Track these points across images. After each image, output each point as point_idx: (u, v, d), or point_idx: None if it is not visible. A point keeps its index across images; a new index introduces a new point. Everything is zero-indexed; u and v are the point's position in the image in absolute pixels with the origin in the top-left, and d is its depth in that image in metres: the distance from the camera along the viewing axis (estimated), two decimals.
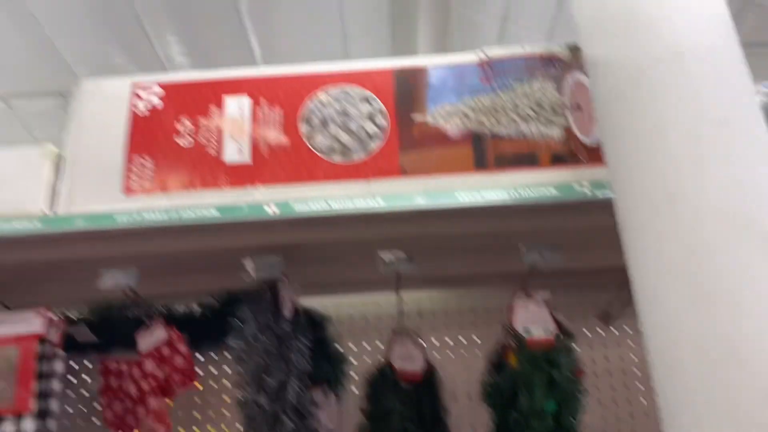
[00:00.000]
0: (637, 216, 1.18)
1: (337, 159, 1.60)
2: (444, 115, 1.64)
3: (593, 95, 1.39)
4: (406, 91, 1.67)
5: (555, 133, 1.64)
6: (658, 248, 1.13)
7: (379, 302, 1.98)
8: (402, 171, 1.59)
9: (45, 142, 1.68)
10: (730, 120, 1.15)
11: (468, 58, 1.72)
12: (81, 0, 4.64)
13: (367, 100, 1.66)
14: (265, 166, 1.58)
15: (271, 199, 1.53)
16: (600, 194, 1.52)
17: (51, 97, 5.53)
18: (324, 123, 1.63)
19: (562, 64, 1.70)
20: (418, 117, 1.64)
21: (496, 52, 1.71)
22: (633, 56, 1.24)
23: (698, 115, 1.16)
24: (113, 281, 1.60)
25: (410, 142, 1.62)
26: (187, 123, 1.63)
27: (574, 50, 1.70)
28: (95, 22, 4.85)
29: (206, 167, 1.58)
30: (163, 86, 1.69)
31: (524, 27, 5.27)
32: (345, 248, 1.71)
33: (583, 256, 1.76)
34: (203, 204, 1.53)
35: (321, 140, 1.61)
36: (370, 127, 1.62)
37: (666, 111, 1.18)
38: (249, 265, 1.59)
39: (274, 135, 1.62)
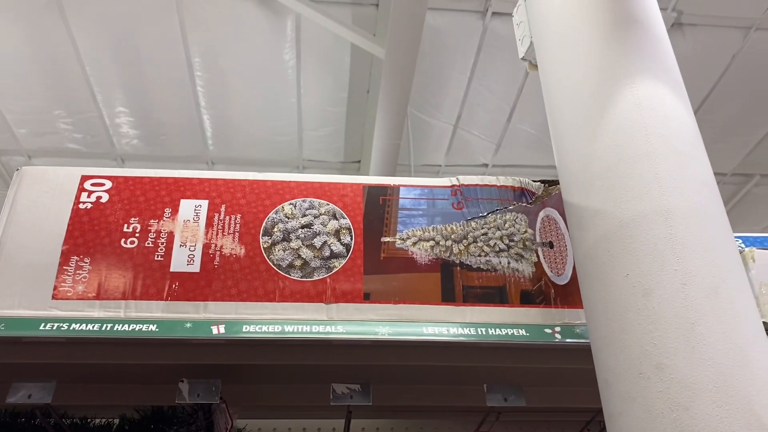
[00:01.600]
0: (621, 385, 1.11)
1: (295, 276, 1.48)
2: (413, 239, 1.56)
3: (573, 244, 1.34)
4: (376, 210, 1.59)
5: (525, 268, 1.58)
6: (647, 419, 1.05)
7: (330, 427, 1.81)
8: (365, 296, 1.48)
9: None
10: (720, 290, 1.11)
11: (441, 182, 1.67)
12: (30, 60, 4.49)
13: (335, 215, 1.56)
14: (216, 278, 1.44)
15: (218, 318, 1.38)
16: (570, 340, 1.45)
17: None
18: (286, 236, 1.52)
19: (535, 198, 1.67)
20: (386, 238, 1.56)
21: (470, 180, 1.67)
22: (619, 212, 1.21)
23: (687, 280, 1.11)
24: (25, 396, 1.39)
25: (376, 264, 1.52)
26: (135, 223, 1.49)
27: (547, 185, 1.67)
28: (43, 84, 4.68)
29: (150, 275, 1.43)
30: (114, 180, 1.55)
31: (475, 135, 5.41)
32: (296, 372, 1.57)
33: (547, 396, 1.67)
34: (141, 317, 1.36)
35: (281, 254, 1.49)
36: (336, 245, 1.52)
37: (652, 272, 1.14)
38: (184, 388, 1.42)
39: (230, 245, 1.49)
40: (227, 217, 1.52)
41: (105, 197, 1.51)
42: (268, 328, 1.38)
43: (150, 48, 4.60)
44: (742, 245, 1.81)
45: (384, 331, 1.41)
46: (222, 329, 1.36)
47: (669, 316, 1.09)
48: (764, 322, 1.52)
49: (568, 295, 1.51)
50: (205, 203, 1.53)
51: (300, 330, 1.38)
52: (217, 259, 1.47)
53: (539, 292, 1.55)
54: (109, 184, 1.53)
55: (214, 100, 5.01)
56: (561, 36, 1.43)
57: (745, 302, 1.12)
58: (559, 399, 1.62)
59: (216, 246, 1.48)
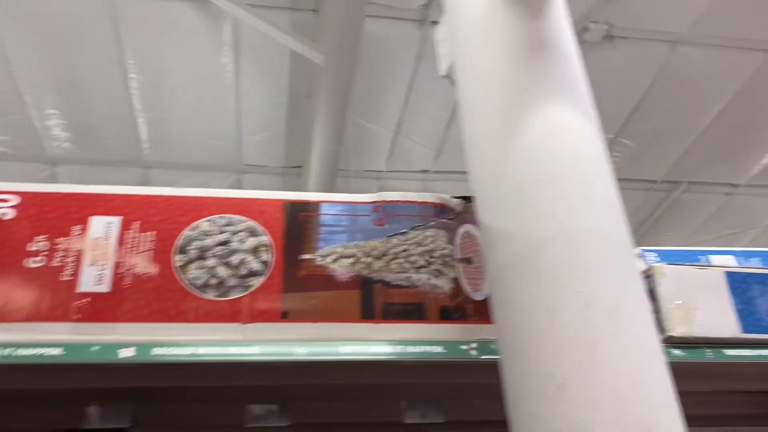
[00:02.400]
0: (526, 404, 1.13)
1: (211, 295, 1.45)
2: (334, 256, 1.56)
3: (486, 262, 1.36)
4: (296, 227, 1.58)
5: (445, 285, 1.59)
6: None
7: None
8: (283, 314, 1.47)
9: None
10: (620, 308, 1.15)
11: (363, 198, 1.67)
12: None
13: (253, 232, 1.54)
14: (127, 298, 1.40)
15: (128, 340, 1.34)
16: (486, 356, 1.47)
17: None
18: (201, 254, 1.49)
19: (455, 214, 1.69)
20: (306, 255, 1.55)
21: (392, 196, 1.67)
22: (526, 233, 1.23)
23: (590, 302, 1.14)
24: None
25: (295, 282, 1.51)
26: (43, 241, 1.44)
27: (467, 202, 1.69)
28: None
29: (57, 295, 1.38)
30: (21, 195, 1.49)
31: (416, 141, 5.45)
32: (211, 393, 1.54)
33: (467, 410, 1.69)
34: (47, 341, 1.31)
35: (196, 273, 1.46)
36: (254, 263, 1.50)
37: (557, 294, 1.16)
38: (94, 412, 1.38)
39: (143, 263, 1.45)
40: (140, 235, 1.48)
41: (10, 214, 1.45)
42: (179, 351, 1.34)
43: (82, 49, 4.46)
44: (657, 259, 1.88)
45: (301, 351, 1.40)
46: (131, 352, 1.32)
47: (572, 337, 1.12)
48: (671, 336, 1.58)
49: (485, 310, 1.53)
50: (117, 220, 1.49)
51: (213, 352, 1.35)
52: (129, 278, 1.43)
53: (458, 308, 1.57)
54: (15, 200, 1.47)
55: (149, 103, 4.90)
56: (477, 57, 1.45)
57: (643, 323, 1.16)
58: (479, 412, 1.64)
59: (128, 265, 1.44)
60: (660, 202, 5.85)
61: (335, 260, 1.55)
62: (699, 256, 1.95)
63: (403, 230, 1.63)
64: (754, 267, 1.88)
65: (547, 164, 1.28)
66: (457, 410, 1.59)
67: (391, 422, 1.56)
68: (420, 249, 1.62)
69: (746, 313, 1.62)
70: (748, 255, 1.97)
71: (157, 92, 4.83)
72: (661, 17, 4.41)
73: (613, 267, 1.19)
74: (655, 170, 5.54)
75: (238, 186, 5.59)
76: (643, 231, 6.14)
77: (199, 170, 5.43)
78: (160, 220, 1.51)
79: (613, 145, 5.29)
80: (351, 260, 1.56)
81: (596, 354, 1.09)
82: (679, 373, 1.60)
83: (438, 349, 1.47)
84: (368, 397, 1.61)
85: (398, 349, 1.45)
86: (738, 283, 1.66)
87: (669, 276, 1.62)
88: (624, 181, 5.67)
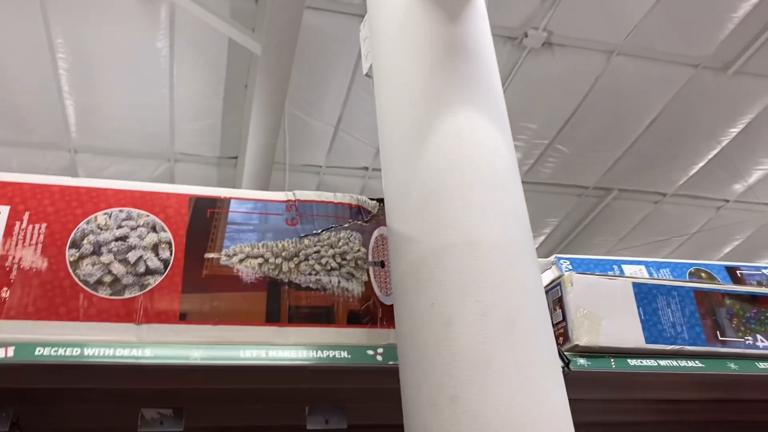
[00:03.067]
0: (419, 415, 1.11)
1: (104, 293, 1.37)
2: (241, 256, 1.50)
3: (392, 267, 1.34)
4: (202, 224, 1.51)
5: (355, 288, 1.56)
6: None
7: None
8: (181, 316, 1.40)
9: None
10: (517, 322, 1.14)
11: (276, 196, 1.62)
12: None
13: (154, 228, 1.47)
14: (12, 294, 1.31)
15: (9, 338, 1.26)
16: (392, 362, 1.45)
17: None
18: (96, 249, 1.41)
19: (370, 216, 1.66)
20: (210, 254, 1.49)
21: (307, 195, 1.63)
22: (430, 240, 1.21)
23: (487, 312, 1.13)
24: None
25: (197, 282, 1.44)
26: None
27: (383, 204, 1.66)
28: None
29: None
30: None
31: (356, 138, 5.41)
32: (103, 395, 1.46)
33: (372, 414, 1.66)
34: None
35: (89, 269, 1.39)
36: (152, 260, 1.43)
37: (455, 302, 1.15)
38: None
39: (31, 257, 1.36)
40: (30, 226, 1.39)
41: None
42: (65, 351, 1.27)
43: (6, 26, 4.23)
44: (570, 267, 1.90)
45: (197, 355, 1.34)
46: (11, 352, 1.24)
47: (467, 347, 1.11)
48: (577, 345, 1.59)
49: (394, 315, 1.51)
50: (5, 210, 1.40)
51: (102, 353, 1.28)
52: (14, 272, 1.34)
53: (367, 312, 1.54)
54: None
55: (78, 86, 4.69)
56: (392, 59, 1.42)
57: (541, 334, 1.16)
58: (384, 418, 1.61)
59: (14, 258, 1.35)
60: (591, 207, 5.99)
61: (242, 260, 1.50)
62: (613, 266, 1.99)
63: (317, 231, 1.59)
64: (662, 279, 1.92)
65: (455, 171, 1.26)
66: (361, 415, 1.56)
67: (292, 427, 1.52)
68: (332, 251, 1.58)
69: (650, 324, 1.65)
70: (658, 266, 2.01)
71: (87, 74, 4.63)
72: (598, 28, 4.50)
73: (513, 277, 1.18)
74: (588, 177, 5.67)
75: (170, 174, 5.44)
76: (574, 235, 6.28)
77: (130, 157, 5.25)
78: (53, 212, 1.42)
79: (548, 150, 5.39)
80: (259, 261, 1.51)
81: (490, 365, 1.08)
82: (584, 381, 1.62)
83: (343, 354, 1.43)
84: (269, 401, 1.57)
85: (302, 354, 1.40)
86: (644, 294, 1.69)
87: (578, 285, 1.63)
88: (557, 186, 5.79)
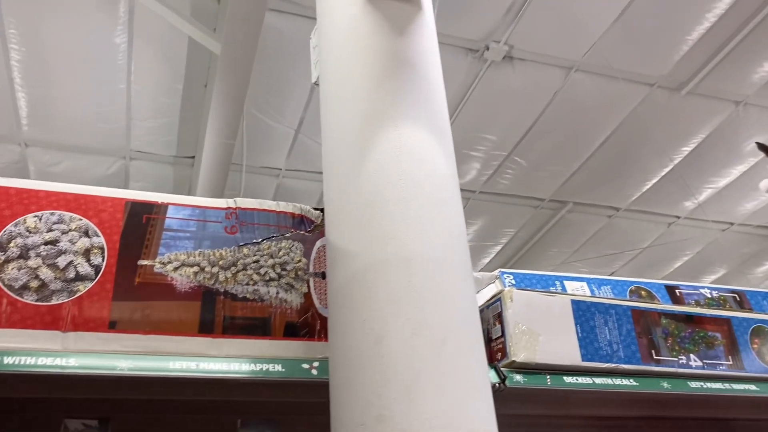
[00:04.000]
0: None
1: (29, 299, 1.33)
2: (176, 263, 1.47)
3: (328, 280, 1.32)
4: (137, 230, 1.48)
5: (294, 299, 1.54)
6: None
7: None
8: (111, 324, 1.36)
9: None
10: (448, 341, 1.13)
11: (216, 203, 1.59)
12: None
13: (86, 232, 1.43)
14: None
15: None
16: (326, 376, 1.43)
17: None
18: (24, 253, 1.36)
19: (314, 226, 1.64)
20: (144, 261, 1.45)
21: (248, 203, 1.60)
22: (366, 254, 1.20)
23: (417, 330, 1.13)
24: None
25: (128, 290, 1.41)
26: None
27: None
28: None
29: None
30: None
31: (317, 141, 5.37)
32: (25, 405, 1.41)
33: (307, 427, 1.65)
34: None
35: (14, 273, 1.34)
36: (83, 266, 1.39)
37: (386, 319, 1.14)
38: None
39: None
40: None
41: None
42: None
43: None
44: (513, 282, 1.91)
45: (125, 366, 1.30)
46: None
47: (396, 365, 1.10)
48: (514, 361, 1.60)
49: (327, 330, 1.49)
50: None
51: (22, 362, 1.24)
52: None
53: (305, 324, 1.53)
54: None
55: (31, 78, 4.55)
56: (338, 70, 1.41)
57: (471, 353, 1.16)
58: (320, 430, 1.59)
59: None
60: (547, 219, 6.07)
61: (176, 268, 1.46)
62: (555, 281, 2.01)
63: (257, 240, 1.57)
64: (601, 297, 1.95)
65: (395, 186, 1.25)
66: (295, 429, 1.54)
67: None
68: (272, 261, 1.56)
69: (587, 342, 1.68)
70: (600, 283, 2.04)
71: (41, 67, 4.50)
72: (558, 44, 4.56)
73: (447, 294, 1.18)
74: (544, 189, 5.74)
75: (124, 172, 5.32)
76: (529, 246, 6.35)
77: (83, 153, 5.12)
78: None
79: (506, 162, 5.44)
80: (194, 269, 1.48)
81: (418, 384, 1.08)
82: (520, 397, 1.63)
83: (277, 367, 1.41)
84: (200, 412, 1.54)
85: (234, 366, 1.38)
86: (582, 312, 1.71)
87: (517, 301, 1.64)
88: (514, 197, 5.85)
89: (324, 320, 1.53)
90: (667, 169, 5.58)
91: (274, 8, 4.20)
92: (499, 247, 6.36)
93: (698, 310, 1.87)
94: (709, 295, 2.12)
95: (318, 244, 1.63)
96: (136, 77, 4.64)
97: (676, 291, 2.11)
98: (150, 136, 5.12)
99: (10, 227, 1.38)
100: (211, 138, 4.60)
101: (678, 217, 6.17)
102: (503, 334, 1.62)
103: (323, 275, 1.59)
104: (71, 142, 5.05)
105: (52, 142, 5.05)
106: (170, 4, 4.00)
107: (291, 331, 1.50)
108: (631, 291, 2.06)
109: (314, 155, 5.51)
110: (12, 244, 1.36)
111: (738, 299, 2.13)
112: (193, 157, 5.33)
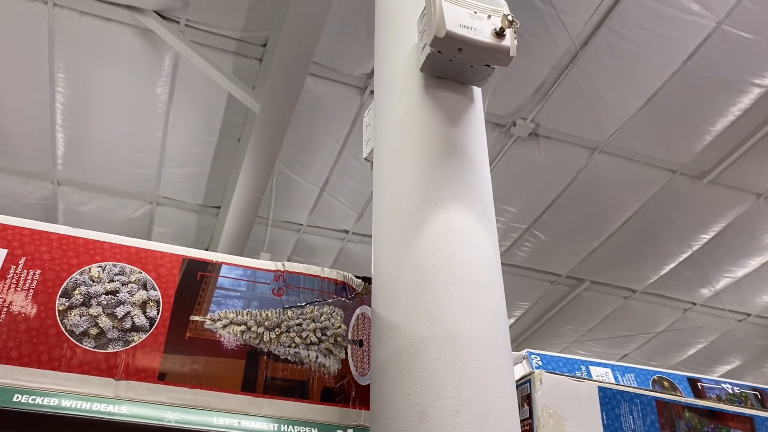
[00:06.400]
0: None
1: (88, 345, 1.39)
2: (225, 321, 1.54)
3: (372, 352, 1.38)
4: (191, 286, 1.55)
5: (332, 365, 1.59)
6: None
7: None
8: (160, 376, 1.42)
9: None
10: (489, 421, 1.18)
11: (266, 265, 1.67)
12: None
13: (144, 285, 1.51)
14: None
15: None
16: None
17: None
18: (87, 300, 1.44)
19: (354, 294, 1.71)
20: (196, 317, 1.52)
21: (295, 267, 1.68)
22: (411, 331, 1.27)
23: (461, 408, 1.18)
24: None
25: (179, 344, 1.47)
26: None
27: (368, 283, 1.72)
28: None
29: None
30: None
31: (340, 201, 5.49)
32: None
33: None
34: None
35: (76, 320, 1.41)
36: (139, 317, 1.46)
37: (431, 395, 1.19)
38: None
39: (21, 302, 1.39)
40: (25, 271, 1.42)
41: None
42: (42, 401, 1.28)
43: (11, 52, 4.30)
44: (540, 363, 1.95)
45: (172, 417, 1.36)
46: None
47: None
48: None
49: (368, 396, 1.54)
50: (2, 253, 1.42)
51: (78, 406, 1.29)
52: (3, 315, 1.36)
53: (341, 390, 1.57)
54: None
55: (72, 120, 4.75)
56: (392, 152, 1.51)
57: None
58: None
59: (5, 301, 1.37)
60: (563, 295, 6.10)
61: (225, 326, 1.53)
62: (581, 366, 2.05)
63: (301, 303, 1.64)
64: (627, 385, 1.98)
65: (441, 266, 1.32)
66: None
67: None
68: (314, 325, 1.62)
69: (612, 429, 1.70)
70: (624, 370, 2.08)
71: (83, 110, 4.69)
72: (584, 125, 4.71)
73: (489, 375, 1.23)
74: (562, 265, 5.80)
75: (150, 216, 5.44)
76: (544, 321, 6.36)
77: (112, 195, 5.26)
78: (49, 259, 1.46)
79: (525, 235, 5.52)
80: (242, 328, 1.54)
81: None
82: None
83: (313, 431, 1.45)
84: None
85: (272, 426, 1.43)
86: (609, 399, 1.74)
87: (546, 384, 1.68)
88: (531, 270, 5.91)
89: (360, 388, 1.58)
90: (685, 255, 5.62)
91: (314, 73, 4.38)
92: (513, 320, 6.37)
93: (722, 406, 1.89)
94: (730, 391, 2.14)
95: (357, 311, 1.69)
96: (173, 127, 4.82)
97: (699, 384, 2.14)
98: (178, 184, 5.26)
99: (75, 275, 1.46)
100: (240, 191, 4.73)
101: (694, 304, 6.17)
102: (531, 416, 1.66)
103: (361, 343, 1.65)
104: (102, 183, 5.21)
105: (83, 183, 5.20)
106: (213, 60, 4.20)
107: (327, 397, 1.55)
108: (653, 381, 2.09)
109: (336, 213, 5.62)
110: (76, 292, 1.44)
111: (759, 397, 2.15)
112: (219, 207, 5.45)
